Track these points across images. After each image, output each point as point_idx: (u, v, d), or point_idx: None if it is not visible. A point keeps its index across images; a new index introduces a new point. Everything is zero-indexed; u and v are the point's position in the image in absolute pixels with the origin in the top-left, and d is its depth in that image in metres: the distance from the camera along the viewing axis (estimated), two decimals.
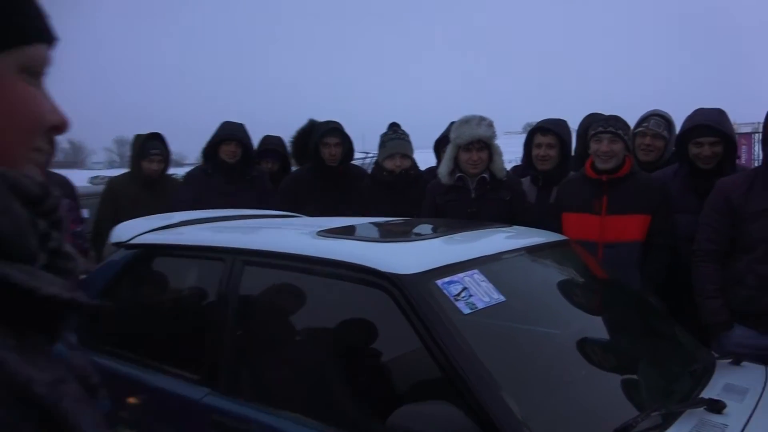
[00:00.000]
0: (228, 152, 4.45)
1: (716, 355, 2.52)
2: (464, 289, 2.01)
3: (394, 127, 4.22)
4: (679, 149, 3.50)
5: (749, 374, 2.33)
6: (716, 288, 3.01)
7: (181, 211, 3.40)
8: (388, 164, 4.06)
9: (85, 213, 4.67)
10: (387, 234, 2.64)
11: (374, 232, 2.67)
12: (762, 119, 2.93)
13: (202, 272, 2.67)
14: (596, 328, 2.44)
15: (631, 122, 4.06)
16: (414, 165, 4.21)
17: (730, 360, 2.44)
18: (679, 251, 3.32)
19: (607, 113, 3.70)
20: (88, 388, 0.65)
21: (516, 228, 2.95)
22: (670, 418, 1.86)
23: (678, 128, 3.61)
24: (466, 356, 1.78)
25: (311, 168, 4.46)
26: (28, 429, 0.54)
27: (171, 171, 5.10)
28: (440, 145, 4.43)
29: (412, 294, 1.92)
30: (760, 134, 3.01)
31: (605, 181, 3.38)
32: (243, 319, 2.35)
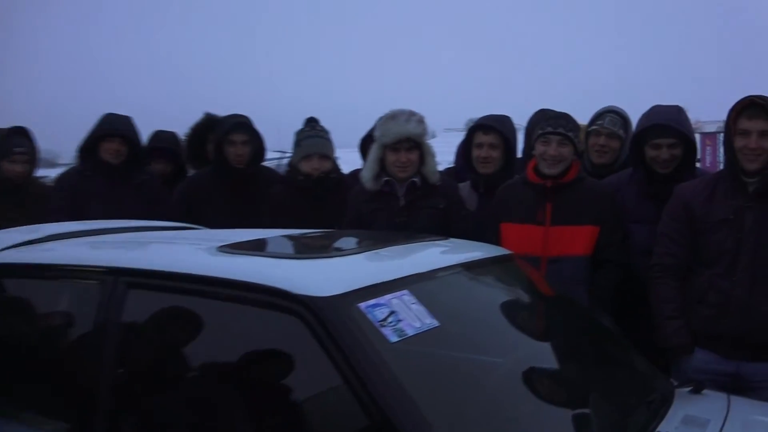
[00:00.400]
0: (110, 150, 4.33)
1: (675, 383, 2.60)
2: (392, 313, 2.01)
3: (311, 122, 4.19)
4: (633, 152, 3.61)
5: (710, 404, 2.42)
6: (676, 307, 3.11)
7: (51, 223, 3.30)
8: (305, 166, 4.03)
9: None
10: (301, 249, 2.62)
11: (286, 247, 2.65)
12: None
13: (76, 297, 2.57)
14: (544, 355, 2.49)
15: (584, 119, 4.20)
16: (335, 167, 4.19)
17: (690, 388, 2.53)
18: (633, 267, 3.42)
19: (559, 109, 3.81)
20: None
21: (452, 241, 2.97)
22: None
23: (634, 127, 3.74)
24: (393, 392, 1.78)
25: (213, 170, 4.39)
26: None
27: (40, 173, 4.91)
28: (367, 144, 4.44)
29: (330, 320, 1.91)
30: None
31: (550, 188, 3.45)
32: (126, 353, 2.29)
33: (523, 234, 3.41)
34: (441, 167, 4.87)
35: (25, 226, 3.22)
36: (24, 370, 2.56)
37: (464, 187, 4.00)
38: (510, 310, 2.60)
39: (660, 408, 2.32)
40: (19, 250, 2.76)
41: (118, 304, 2.29)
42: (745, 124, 2.95)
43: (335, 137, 4.23)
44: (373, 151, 3.69)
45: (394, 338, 1.95)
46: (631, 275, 3.43)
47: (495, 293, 2.70)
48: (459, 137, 4.46)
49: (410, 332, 1.99)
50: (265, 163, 4.81)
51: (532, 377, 2.25)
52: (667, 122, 3.44)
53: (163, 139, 5.05)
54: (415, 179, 3.63)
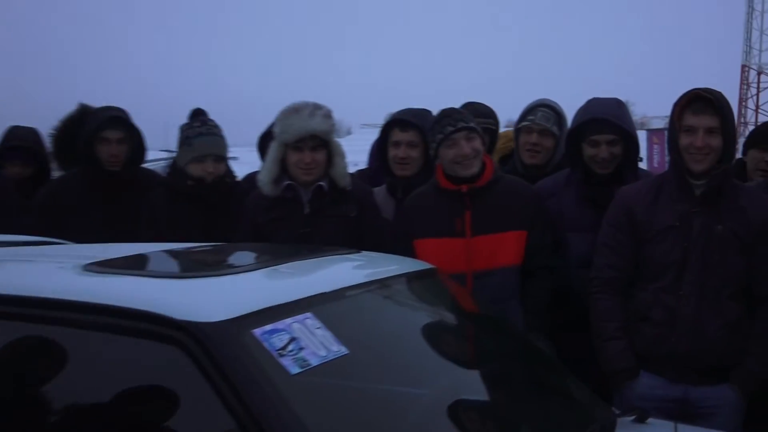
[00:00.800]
0: None
1: (617, 412, 2.67)
2: (292, 340, 2.00)
3: (201, 116, 4.12)
4: (570, 150, 3.70)
5: None
6: (618, 326, 3.19)
7: None
8: (196, 170, 3.96)
9: None
10: (185, 267, 2.59)
11: (167, 265, 2.62)
12: None
13: None
14: (470, 384, 2.52)
15: (514, 116, 4.28)
16: (229, 170, 4.14)
17: (633, 417, 2.59)
18: (572, 281, 3.50)
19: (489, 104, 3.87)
20: None
21: (365, 254, 2.98)
22: None
23: (569, 123, 3.82)
24: None
25: (82, 173, 4.28)
26: None
27: None
28: (266, 143, 4.40)
29: (218, 350, 1.89)
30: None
31: (466, 193, 3.49)
32: None
33: (442, 249, 3.44)
34: (356, 169, 4.89)
35: None
36: None
37: (379, 192, 4.01)
38: (432, 333, 2.61)
39: None
40: None
41: None
42: (690, 120, 3.05)
43: (230, 134, 4.19)
44: (273, 150, 3.66)
45: (295, 369, 1.94)
46: (569, 290, 3.50)
47: (414, 314, 2.72)
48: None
49: (314, 362, 1.99)
50: (147, 165, 4.73)
51: (458, 410, 2.26)
52: (606, 116, 3.53)
53: (18, 136, 4.89)
54: (321, 183, 3.62)
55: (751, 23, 60.12)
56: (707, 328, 3.03)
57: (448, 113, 3.56)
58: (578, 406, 2.66)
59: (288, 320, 2.07)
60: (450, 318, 2.91)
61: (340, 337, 2.11)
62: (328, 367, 2.02)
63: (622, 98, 3.89)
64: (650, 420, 2.60)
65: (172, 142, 4.41)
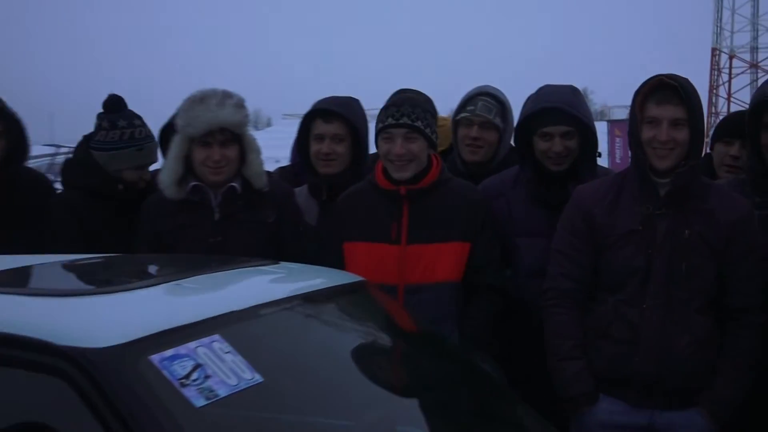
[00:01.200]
0: None
1: None
2: (197, 367, 1.99)
3: (121, 106, 4.08)
4: (519, 144, 3.74)
5: None
6: (575, 344, 3.22)
7: None
8: (132, 175, 4.00)
9: None
10: (71, 283, 2.55)
11: (49, 280, 2.58)
12: None
13: None
14: (405, 413, 2.52)
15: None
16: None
17: None
18: (522, 293, 3.54)
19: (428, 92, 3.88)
20: None
21: (285, 266, 2.98)
22: None
23: (517, 114, 3.85)
24: None
25: None
26: None
27: None
28: (168, 136, 4.35)
29: (109, 380, 1.86)
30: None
31: (404, 195, 3.50)
32: None
33: (373, 256, 3.46)
34: (275, 167, 4.87)
35: None
36: None
37: (300, 193, 4.01)
38: (361, 356, 2.62)
39: None
40: None
41: None
42: (653, 110, 3.09)
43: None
44: (175, 146, 3.63)
45: (200, 402, 1.92)
46: (518, 304, 3.53)
47: (341, 334, 2.72)
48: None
49: (223, 392, 1.97)
50: (31, 163, 4.64)
51: None
52: (559, 105, 3.57)
53: None
54: (233, 184, 3.60)
55: (722, 2, 61.24)
56: (674, 346, 3.07)
57: (397, 102, 3.57)
58: None
59: (192, 344, 2.05)
60: (382, 338, 2.91)
61: (254, 362, 2.09)
62: (239, 397, 2.00)
63: (579, 85, 3.94)
64: None
65: (61, 135, 4.36)
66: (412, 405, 2.60)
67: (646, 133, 3.10)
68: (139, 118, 4.14)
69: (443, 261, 3.45)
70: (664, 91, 3.08)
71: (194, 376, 1.96)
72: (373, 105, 4.46)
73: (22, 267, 2.73)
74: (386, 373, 2.69)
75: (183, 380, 1.93)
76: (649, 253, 3.11)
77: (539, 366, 3.30)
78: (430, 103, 3.74)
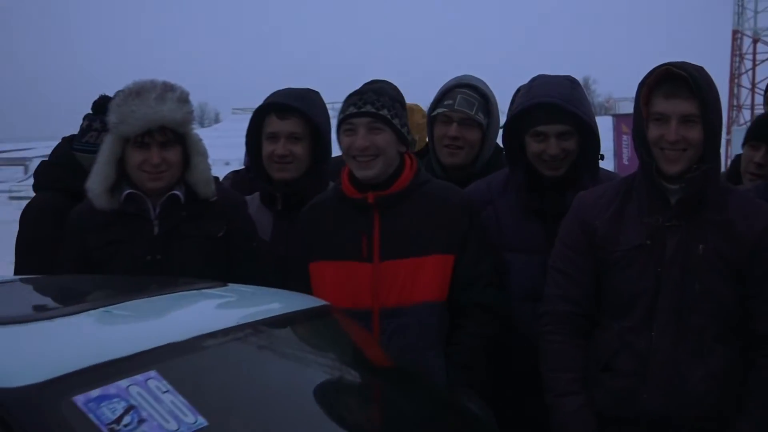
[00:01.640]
0: None
1: None
2: (130, 409, 1.98)
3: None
4: (508, 146, 3.73)
5: None
6: (575, 377, 3.22)
7: None
8: None
9: None
10: None
11: None
12: None
13: None
14: None
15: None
16: None
17: None
18: (514, 317, 3.54)
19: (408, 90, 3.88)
20: None
21: (235, 288, 2.98)
22: None
23: (505, 109, 3.85)
24: None
25: None
26: None
27: None
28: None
29: (24, 426, 1.85)
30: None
31: (373, 204, 3.48)
32: None
33: (342, 277, 3.45)
34: (226, 171, 4.86)
35: None
36: None
37: (252, 203, 4.00)
38: (324, 393, 2.62)
39: None
40: None
41: None
42: (660, 105, 3.08)
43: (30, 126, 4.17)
44: (107, 147, 3.62)
45: None
46: (510, 328, 3.53)
47: (300, 368, 2.72)
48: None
49: None
50: None
51: None
52: (555, 101, 3.55)
53: None
54: (175, 192, 3.60)
55: None
56: (687, 380, 3.07)
57: (362, 90, 3.55)
58: None
59: (123, 382, 2.04)
60: (349, 373, 2.91)
61: (197, 403, 2.08)
62: None
63: (580, 75, 3.98)
64: None
65: None
66: None
67: (653, 131, 3.09)
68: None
69: (423, 278, 3.42)
70: (673, 82, 3.04)
71: (126, 420, 1.94)
72: (338, 99, 4.44)
73: None
74: (353, 415, 2.68)
75: (113, 425, 1.92)
76: (658, 271, 3.10)
77: (534, 403, 3.31)
78: (400, 93, 3.66)
